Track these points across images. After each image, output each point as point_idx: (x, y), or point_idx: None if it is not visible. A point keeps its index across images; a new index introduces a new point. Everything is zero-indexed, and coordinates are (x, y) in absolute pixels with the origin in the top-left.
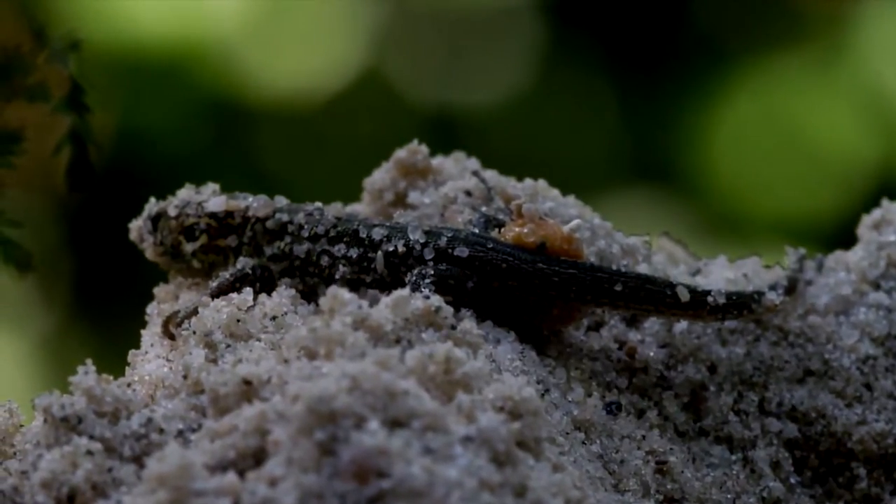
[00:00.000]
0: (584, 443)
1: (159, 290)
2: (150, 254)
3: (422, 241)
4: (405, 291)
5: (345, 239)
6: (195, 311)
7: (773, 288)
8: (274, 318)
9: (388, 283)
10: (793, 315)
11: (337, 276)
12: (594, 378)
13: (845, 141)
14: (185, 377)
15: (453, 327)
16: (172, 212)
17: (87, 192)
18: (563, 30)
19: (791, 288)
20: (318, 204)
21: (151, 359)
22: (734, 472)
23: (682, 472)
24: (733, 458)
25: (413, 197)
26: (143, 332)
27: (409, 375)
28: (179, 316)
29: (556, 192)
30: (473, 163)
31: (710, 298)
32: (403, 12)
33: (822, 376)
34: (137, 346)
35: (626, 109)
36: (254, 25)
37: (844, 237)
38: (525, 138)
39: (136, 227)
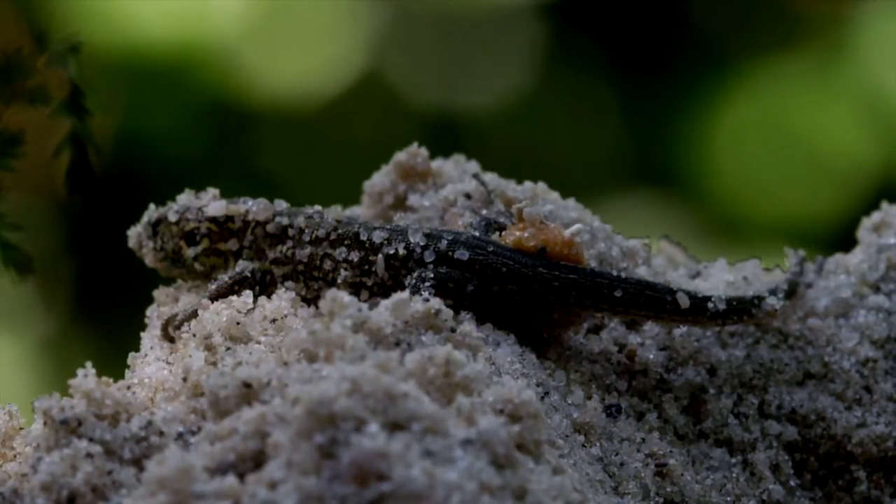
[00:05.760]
0: (583, 445)
1: (159, 293)
2: (149, 260)
3: (422, 243)
4: (405, 294)
5: (346, 242)
6: (195, 314)
7: (773, 292)
8: (274, 320)
9: (388, 287)
10: (792, 318)
11: (339, 280)
12: (594, 381)
13: (845, 143)
14: (184, 380)
15: (453, 330)
16: (173, 217)
17: (87, 194)
18: (563, 32)
19: (791, 291)
20: (318, 207)
21: (151, 361)
22: (734, 474)
23: (682, 474)
24: (733, 460)
25: (413, 200)
26: (142, 334)
27: (409, 378)
28: (179, 318)
29: (556, 194)
30: (473, 165)
31: (710, 304)
32: (404, 15)
33: (822, 379)
34: (137, 349)
35: (627, 112)
36: (254, 28)
37: (844, 240)
38: (525, 141)
39: (135, 233)
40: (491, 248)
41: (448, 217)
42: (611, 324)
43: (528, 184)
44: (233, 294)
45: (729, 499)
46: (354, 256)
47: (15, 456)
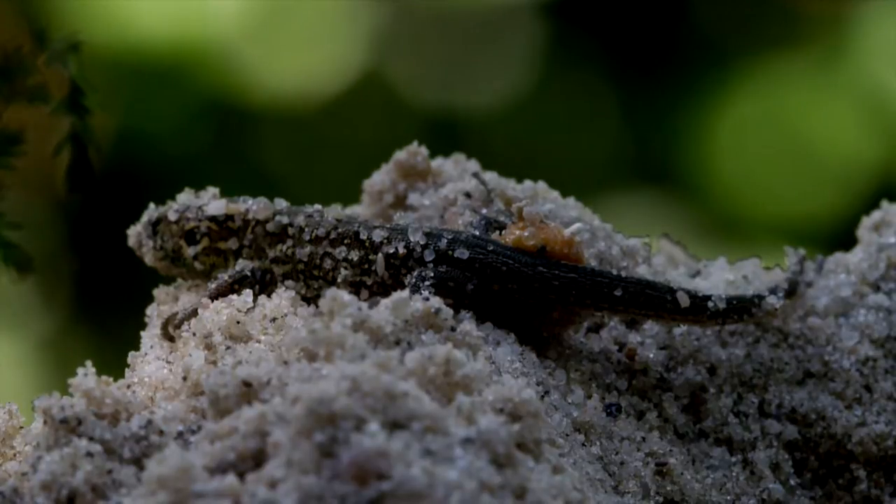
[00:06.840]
0: (583, 444)
1: (159, 292)
2: (149, 259)
3: (422, 242)
4: (405, 293)
5: (345, 241)
6: (194, 313)
7: (773, 291)
8: (274, 319)
9: (388, 286)
10: (793, 317)
11: (339, 279)
12: (594, 380)
13: (845, 142)
14: (184, 379)
15: (453, 329)
16: (172, 216)
17: (87, 193)
18: (563, 31)
19: (791, 290)
20: (318, 206)
21: (151, 360)
22: (734, 473)
23: (682, 473)
24: (733, 459)
25: (413, 199)
26: (142, 333)
27: (408, 377)
28: (179, 317)
29: (555, 193)
30: (473, 164)
31: (710, 304)
32: (404, 14)
33: (822, 378)
34: (137, 348)
35: (627, 111)
36: (254, 27)
37: (844, 239)
38: (525, 140)
39: (135, 233)
40: (491, 248)
41: (448, 216)
42: (611, 323)
43: (527, 183)
44: (233, 293)
45: (729, 498)
46: (354, 255)
47: (15, 455)
